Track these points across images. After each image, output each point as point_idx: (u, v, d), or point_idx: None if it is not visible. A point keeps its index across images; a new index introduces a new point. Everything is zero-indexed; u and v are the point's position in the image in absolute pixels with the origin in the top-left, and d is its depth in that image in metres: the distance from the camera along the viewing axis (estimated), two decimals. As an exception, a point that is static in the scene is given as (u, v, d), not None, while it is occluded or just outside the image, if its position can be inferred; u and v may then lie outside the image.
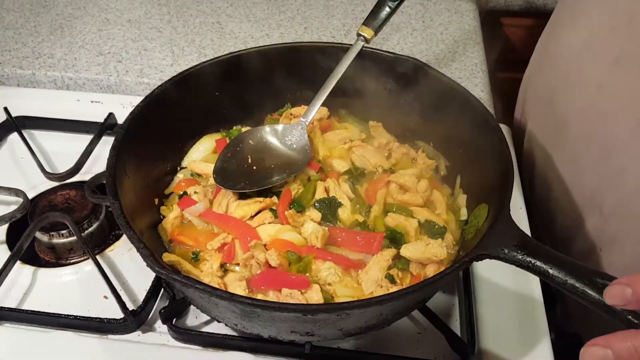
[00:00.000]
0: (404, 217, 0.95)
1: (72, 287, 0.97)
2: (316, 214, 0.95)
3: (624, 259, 0.96)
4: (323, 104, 1.03)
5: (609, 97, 0.96)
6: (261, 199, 0.96)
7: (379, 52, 1.07)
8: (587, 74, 1.01)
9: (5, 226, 1.04)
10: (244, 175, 0.99)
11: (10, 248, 1.00)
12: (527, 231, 1.04)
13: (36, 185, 1.12)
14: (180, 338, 0.89)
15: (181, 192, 1.00)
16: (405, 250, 0.89)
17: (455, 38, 1.51)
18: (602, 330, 0.62)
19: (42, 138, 1.26)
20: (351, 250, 0.91)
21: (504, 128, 1.22)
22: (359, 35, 1.04)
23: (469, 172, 0.99)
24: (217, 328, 0.90)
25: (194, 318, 0.92)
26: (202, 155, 1.08)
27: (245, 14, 1.59)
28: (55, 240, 1.00)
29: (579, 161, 1.04)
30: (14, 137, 1.25)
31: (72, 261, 1.01)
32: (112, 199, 0.81)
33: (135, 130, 0.93)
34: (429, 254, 0.87)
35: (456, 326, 0.92)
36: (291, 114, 1.11)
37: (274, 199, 0.97)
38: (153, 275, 0.93)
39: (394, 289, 0.85)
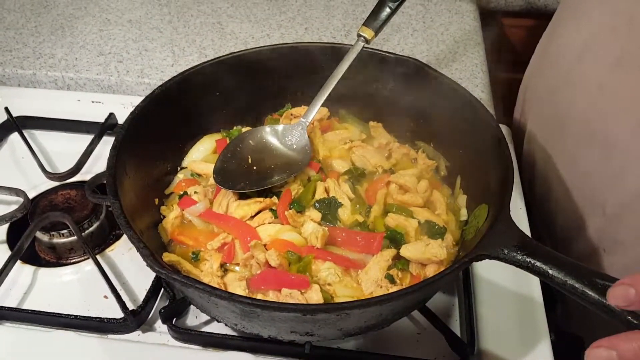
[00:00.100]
0: (404, 217, 0.95)
1: (73, 286, 0.97)
2: (316, 214, 0.95)
3: (627, 260, 0.96)
4: (323, 104, 1.03)
5: (610, 98, 0.96)
6: (261, 199, 0.97)
7: (379, 52, 1.07)
8: (588, 74, 1.01)
9: (6, 226, 1.04)
10: (244, 175, 0.99)
11: (11, 248, 1.01)
12: (527, 232, 1.04)
13: (37, 185, 1.12)
14: (180, 338, 0.89)
15: (181, 192, 1.00)
16: (405, 251, 0.89)
17: (456, 38, 1.51)
18: (603, 330, 0.62)
19: (43, 138, 1.26)
20: (351, 251, 0.91)
21: (504, 128, 1.22)
22: (359, 35, 1.04)
23: (469, 172, 0.99)
24: (217, 328, 0.90)
25: (194, 318, 0.92)
26: (202, 155, 1.08)
27: (246, 15, 1.60)
28: (56, 240, 1.00)
29: (580, 161, 1.04)
30: (14, 137, 1.25)
31: (72, 261, 1.01)
32: (113, 198, 0.81)
33: (136, 131, 0.93)
34: (428, 254, 0.87)
35: (456, 326, 0.92)
36: (291, 114, 1.12)
37: (274, 199, 0.97)
38: (153, 275, 0.93)
39: (393, 289, 0.85)
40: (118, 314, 0.89)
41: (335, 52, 1.06)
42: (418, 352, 0.88)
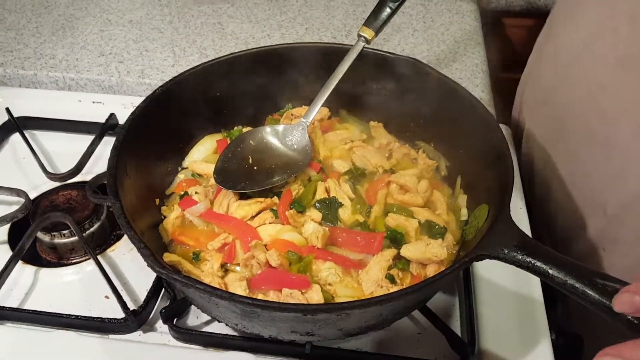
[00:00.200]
0: (405, 217, 0.95)
1: (74, 287, 0.98)
2: (317, 214, 0.95)
3: (627, 260, 0.96)
4: (324, 105, 1.03)
5: (611, 98, 0.96)
6: (262, 199, 0.97)
7: (379, 52, 1.07)
8: (588, 74, 1.01)
9: (7, 226, 1.04)
10: (244, 175, 1.00)
11: (12, 248, 1.01)
12: (527, 232, 1.04)
13: (38, 185, 1.13)
14: (181, 338, 0.89)
15: (182, 193, 1.00)
16: (406, 251, 0.89)
17: (456, 38, 1.51)
18: (603, 330, 0.62)
19: (44, 138, 1.27)
20: (351, 251, 0.91)
21: (504, 128, 1.22)
22: (359, 35, 1.04)
23: (469, 172, 0.99)
24: (217, 328, 0.90)
25: (195, 318, 0.92)
26: (203, 155, 1.08)
27: (246, 15, 1.60)
28: (57, 240, 1.01)
29: (580, 162, 1.04)
30: (15, 137, 1.25)
31: (73, 261, 1.02)
32: (113, 199, 0.81)
33: (137, 131, 0.93)
34: (429, 254, 0.87)
35: (456, 326, 0.92)
36: (292, 115, 1.12)
37: (275, 199, 0.97)
38: (154, 275, 0.93)
39: (394, 289, 0.85)
40: (119, 314, 0.89)
41: (336, 53, 1.06)
42: (418, 352, 0.88)
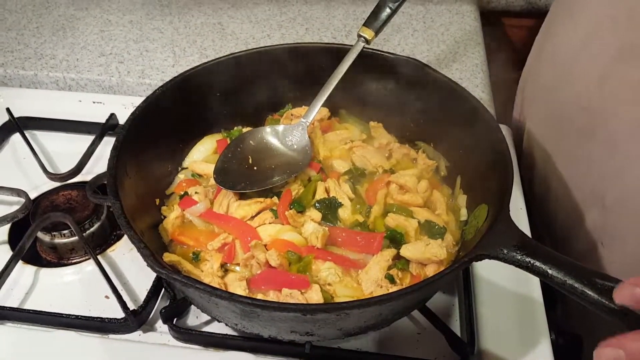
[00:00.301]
0: (404, 217, 0.95)
1: (74, 287, 0.98)
2: (316, 214, 0.95)
3: (625, 255, 0.96)
4: (324, 105, 1.03)
5: (611, 92, 0.96)
6: (262, 199, 0.97)
7: (379, 52, 1.07)
8: (588, 69, 1.01)
9: (7, 226, 1.05)
10: (244, 175, 1.00)
11: (12, 248, 1.01)
12: (527, 231, 1.04)
13: (38, 185, 1.13)
14: (181, 338, 0.89)
15: (182, 193, 1.00)
16: (405, 251, 0.89)
17: (456, 39, 1.51)
18: (603, 330, 0.62)
19: (44, 138, 1.27)
20: (351, 251, 0.91)
21: (504, 128, 1.22)
22: (359, 36, 1.04)
23: (469, 172, 0.99)
24: (217, 328, 0.90)
25: (195, 318, 0.93)
26: (203, 155, 1.08)
27: (246, 15, 1.60)
28: (57, 240, 1.01)
29: (580, 158, 1.04)
30: (16, 137, 1.26)
31: (73, 261, 1.02)
32: (113, 199, 0.82)
33: (137, 131, 0.93)
34: (428, 254, 0.87)
35: (456, 326, 0.92)
36: (292, 115, 1.12)
37: (275, 199, 0.97)
38: (154, 275, 0.93)
39: (393, 289, 0.85)
40: (119, 314, 0.89)
41: (336, 53, 1.06)
42: (418, 352, 0.88)
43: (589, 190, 1.03)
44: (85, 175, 1.11)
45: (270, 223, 0.94)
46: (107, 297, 0.95)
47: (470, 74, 1.39)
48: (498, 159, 0.88)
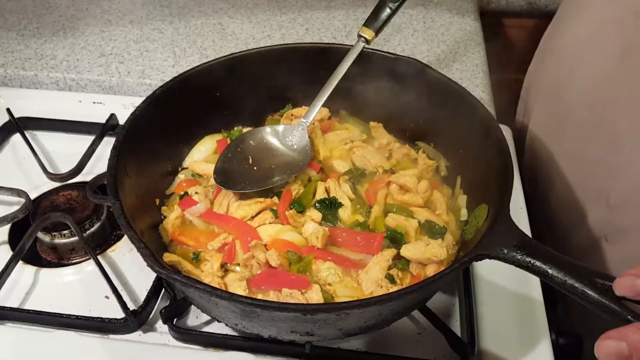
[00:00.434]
0: (404, 217, 0.95)
1: (74, 287, 0.98)
2: (317, 214, 0.95)
3: (630, 249, 0.96)
4: (324, 105, 1.03)
5: (617, 89, 0.96)
6: (262, 199, 0.97)
7: (379, 53, 1.07)
8: (593, 66, 1.02)
9: (8, 226, 1.05)
10: (244, 175, 1.00)
11: (13, 248, 1.01)
12: (527, 231, 1.04)
13: (38, 185, 1.13)
14: (181, 338, 0.89)
15: (182, 193, 1.00)
16: (405, 251, 0.89)
17: (457, 39, 1.51)
18: (603, 330, 0.62)
19: (44, 139, 1.27)
20: (351, 251, 0.91)
21: (504, 129, 1.22)
22: (359, 36, 1.04)
23: (469, 172, 0.99)
24: (217, 328, 0.90)
25: (195, 318, 0.92)
26: (203, 155, 1.08)
27: (246, 15, 1.60)
28: (57, 241, 1.01)
29: (585, 154, 1.04)
30: (16, 138, 1.26)
31: (73, 261, 1.02)
32: (113, 199, 0.82)
33: (137, 131, 0.93)
34: (428, 254, 0.87)
35: (456, 326, 0.92)
36: (292, 115, 1.12)
37: (275, 199, 0.97)
38: (154, 275, 0.93)
39: (393, 289, 0.85)
40: (119, 314, 0.89)
41: (336, 53, 1.06)
42: (418, 352, 0.88)
43: (593, 188, 1.03)
44: (85, 176, 1.11)
45: (270, 223, 0.94)
46: (107, 297, 0.95)
47: (471, 74, 1.39)
48: (498, 159, 0.88)
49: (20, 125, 1.24)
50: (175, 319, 0.91)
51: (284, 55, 1.10)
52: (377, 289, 0.86)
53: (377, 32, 1.04)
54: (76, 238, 1.00)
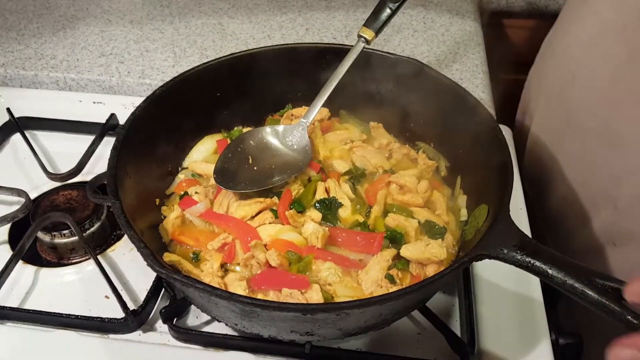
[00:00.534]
0: (404, 217, 0.95)
1: (74, 286, 0.98)
2: (316, 214, 0.95)
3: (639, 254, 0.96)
4: (324, 105, 1.03)
5: (623, 92, 0.96)
6: (262, 199, 0.97)
7: (380, 53, 1.07)
8: (598, 69, 1.01)
9: (8, 226, 1.05)
10: (244, 175, 1.00)
11: (13, 248, 1.01)
12: (527, 231, 1.04)
13: (38, 185, 1.13)
14: (180, 338, 0.89)
15: (182, 193, 1.00)
16: (405, 251, 0.89)
17: (457, 39, 1.51)
18: (603, 330, 0.62)
19: (45, 139, 1.27)
20: (351, 251, 0.91)
21: (504, 129, 1.22)
22: (359, 36, 1.04)
23: (469, 172, 1.00)
24: (217, 328, 0.90)
25: (195, 318, 0.93)
26: (203, 155, 1.08)
27: (246, 15, 1.60)
28: (57, 240, 1.01)
29: (588, 157, 1.04)
30: (16, 137, 1.26)
31: (73, 261, 1.02)
32: (113, 199, 0.82)
33: (137, 131, 0.93)
34: (428, 254, 0.87)
35: (456, 326, 0.92)
36: (292, 115, 1.12)
37: (275, 199, 0.97)
38: (154, 275, 0.93)
39: (393, 289, 0.85)
40: (119, 313, 0.89)
41: (336, 53, 1.06)
42: (418, 352, 0.88)
43: (598, 191, 1.03)
44: (85, 175, 1.11)
45: (270, 223, 0.94)
46: (107, 297, 0.95)
47: (471, 74, 1.39)
48: (498, 159, 0.88)
49: (20, 125, 1.24)
50: (175, 319, 0.91)
51: (284, 55, 1.10)
52: (377, 289, 0.86)
53: (377, 32, 1.04)
54: (76, 238, 1.00)
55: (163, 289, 0.94)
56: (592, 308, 0.67)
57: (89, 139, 1.19)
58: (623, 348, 0.59)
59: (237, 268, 0.90)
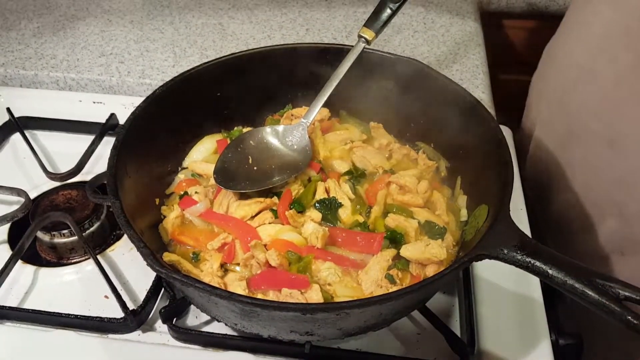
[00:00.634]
0: (404, 217, 0.95)
1: (73, 286, 0.98)
2: (316, 215, 0.95)
3: None
4: (324, 105, 1.03)
5: (629, 97, 0.95)
6: (262, 199, 0.97)
7: (380, 53, 1.07)
8: (604, 74, 1.00)
9: (7, 226, 1.05)
10: (244, 175, 1.00)
11: (12, 247, 1.01)
12: (527, 232, 1.04)
13: (38, 185, 1.13)
14: (180, 338, 0.89)
15: (182, 192, 1.00)
16: (405, 251, 0.89)
17: (457, 40, 1.51)
18: (603, 330, 0.62)
19: (44, 138, 1.27)
20: (351, 251, 0.91)
21: (504, 129, 1.22)
22: (360, 36, 1.04)
23: (469, 173, 0.99)
24: (217, 328, 0.90)
25: (194, 318, 0.92)
26: (203, 155, 1.08)
27: (247, 15, 1.60)
28: (57, 240, 1.01)
29: (594, 162, 1.03)
30: (16, 137, 1.26)
31: (73, 261, 1.02)
32: (113, 198, 0.81)
33: (137, 131, 0.93)
34: (428, 255, 0.87)
35: (456, 326, 0.92)
36: (292, 115, 1.12)
37: (275, 199, 0.97)
38: (154, 275, 0.93)
39: (393, 289, 0.85)
40: (118, 313, 0.89)
41: (336, 53, 1.06)
42: (418, 352, 0.88)
43: (605, 197, 1.01)
44: (85, 175, 1.11)
45: (270, 223, 0.94)
46: (106, 296, 0.95)
47: (471, 74, 1.39)
48: (498, 159, 0.88)
49: (20, 124, 1.24)
50: (174, 319, 0.91)
51: (284, 55, 1.10)
52: (377, 289, 0.85)
53: (378, 32, 1.05)
54: (76, 237, 1.00)
55: (163, 289, 0.94)
56: (592, 308, 0.67)
57: (88, 138, 1.19)
58: None
59: (237, 268, 0.90)
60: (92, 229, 1.03)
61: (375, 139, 1.11)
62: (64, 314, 0.89)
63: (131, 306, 0.90)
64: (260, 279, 0.86)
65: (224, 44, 1.49)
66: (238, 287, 0.85)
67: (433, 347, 0.88)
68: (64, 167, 1.15)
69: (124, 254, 1.02)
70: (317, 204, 0.97)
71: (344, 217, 0.96)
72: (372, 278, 0.86)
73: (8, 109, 1.27)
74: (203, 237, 0.94)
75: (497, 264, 0.74)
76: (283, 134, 1.05)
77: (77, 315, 0.89)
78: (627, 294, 0.67)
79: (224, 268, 0.90)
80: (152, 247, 0.80)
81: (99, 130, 1.21)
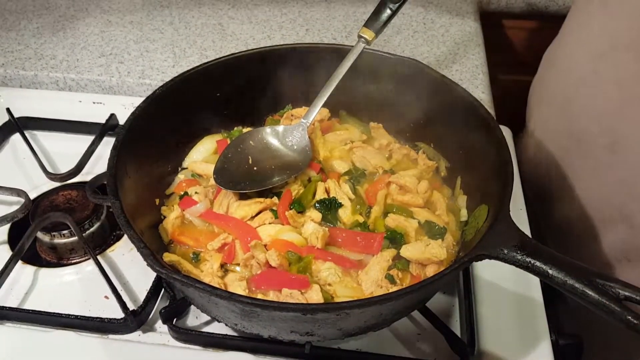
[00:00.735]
0: (404, 217, 0.95)
1: (73, 287, 0.98)
2: (316, 215, 0.95)
3: None
4: (324, 105, 1.03)
5: (630, 100, 0.95)
6: (262, 199, 0.97)
7: (380, 53, 1.07)
8: (604, 77, 1.00)
9: (7, 226, 1.05)
10: (244, 175, 1.00)
11: (12, 248, 1.01)
12: (527, 232, 1.04)
13: (38, 185, 1.13)
14: (180, 338, 0.89)
15: (182, 193, 1.00)
16: (405, 251, 0.89)
17: (456, 40, 1.51)
18: (603, 330, 0.62)
19: (44, 139, 1.27)
20: (351, 251, 0.91)
21: (504, 129, 1.22)
22: (360, 37, 1.04)
23: (469, 173, 0.99)
24: (217, 328, 0.90)
25: (195, 318, 0.92)
26: (203, 155, 1.08)
27: (246, 16, 1.60)
28: (57, 241, 1.01)
29: (599, 169, 1.01)
30: (16, 137, 1.26)
31: (73, 261, 1.02)
32: (113, 199, 0.81)
33: (137, 131, 0.93)
34: (428, 255, 0.87)
35: (456, 327, 0.92)
36: (292, 115, 1.12)
37: (275, 199, 0.97)
38: (154, 275, 0.93)
39: (393, 289, 0.85)
40: (119, 314, 0.89)
41: (336, 53, 1.06)
42: (418, 352, 0.88)
43: (607, 200, 1.01)
44: (85, 175, 1.11)
45: (270, 223, 0.94)
46: (106, 297, 0.95)
47: (471, 75, 1.39)
48: (498, 159, 0.88)
49: (20, 125, 1.24)
50: (174, 319, 0.90)
51: (284, 55, 1.11)
52: (377, 289, 0.85)
53: (378, 33, 1.04)
54: (76, 238, 1.00)
55: (163, 289, 0.94)
56: (592, 308, 0.67)
57: (88, 139, 1.19)
58: None
59: (237, 268, 0.90)
60: (92, 229, 1.03)
61: (375, 139, 1.11)
62: (64, 314, 0.89)
63: (131, 306, 0.90)
64: (260, 279, 0.86)
65: (224, 44, 1.49)
66: (238, 287, 0.85)
67: (433, 347, 0.88)
68: (64, 167, 1.15)
69: (124, 255, 1.02)
70: (317, 204, 0.97)
71: (344, 217, 0.96)
72: (372, 278, 0.86)
73: (8, 110, 1.27)
74: (203, 237, 0.94)
75: (497, 264, 0.74)
76: (283, 134, 1.05)
77: (77, 315, 0.89)
78: (627, 294, 0.67)
79: (224, 268, 0.90)
80: (152, 247, 0.80)
81: (99, 130, 1.21)
